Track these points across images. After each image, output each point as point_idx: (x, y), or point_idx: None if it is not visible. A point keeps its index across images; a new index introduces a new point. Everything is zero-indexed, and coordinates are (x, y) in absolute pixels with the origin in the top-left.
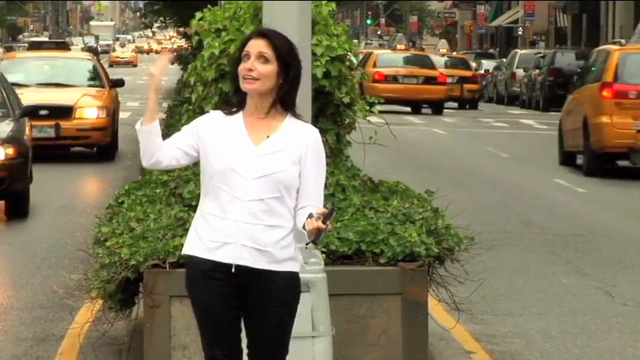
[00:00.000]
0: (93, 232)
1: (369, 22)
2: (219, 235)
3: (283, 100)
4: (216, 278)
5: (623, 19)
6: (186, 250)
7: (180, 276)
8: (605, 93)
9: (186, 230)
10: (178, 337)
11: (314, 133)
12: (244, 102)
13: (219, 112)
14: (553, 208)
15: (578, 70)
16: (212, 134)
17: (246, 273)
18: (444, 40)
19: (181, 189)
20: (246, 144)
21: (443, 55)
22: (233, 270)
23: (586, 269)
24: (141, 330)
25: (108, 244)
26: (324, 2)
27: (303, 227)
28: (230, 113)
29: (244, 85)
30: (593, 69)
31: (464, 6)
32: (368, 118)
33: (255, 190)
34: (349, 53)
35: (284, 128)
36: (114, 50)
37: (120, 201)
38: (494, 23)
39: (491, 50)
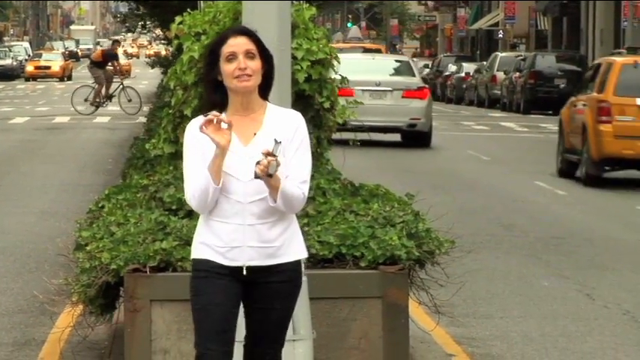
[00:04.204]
0: (73, 237)
1: (349, 25)
2: (225, 240)
3: (264, 93)
4: (223, 274)
5: (603, 22)
6: (195, 255)
7: (160, 280)
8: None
9: (167, 234)
10: (159, 342)
11: (297, 119)
12: (225, 103)
13: (200, 118)
14: (533, 211)
15: None
16: (205, 140)
17: (255, 271)
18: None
19: (162, 193)
20: (236, 146)
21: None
22: (245, 272)
23: (566, 272)
24: (122, 334)
25: (88, 248)
26: (305, 6)
27: (256, 175)
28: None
29: (239, 84)
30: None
31: (444, 9)
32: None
33: (253, 191)
34: (329, 56)
35: (268, 122)
36: None
37: (100, 205)
38: (475, 26)
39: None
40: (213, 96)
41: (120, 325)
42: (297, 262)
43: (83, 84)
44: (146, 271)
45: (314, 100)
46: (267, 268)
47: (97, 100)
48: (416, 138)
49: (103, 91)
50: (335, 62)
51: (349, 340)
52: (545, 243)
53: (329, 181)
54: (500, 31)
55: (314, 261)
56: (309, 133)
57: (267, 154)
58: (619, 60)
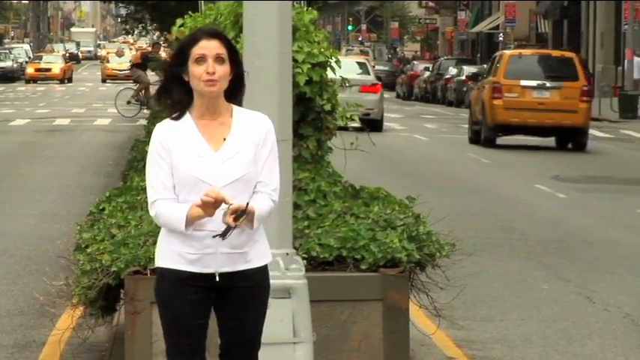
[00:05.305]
0: (74, 239)
1: (350, 28)
2: (197, 246)
3: (231, 98)
4: (191, 285)
5: (604, 25)
6: (161, 263)
7: None
8: None
9: None
10: (159, 344)
11: (266, 123)
12: (189, 104)
13: (167, 122)
14: (534, 214)
15: None
16: (174, 147)
17: (226, 277)
18: None
19: None
20: (206, 152)
21: None
22: (217, 279)
23: (567, 275)
24: (122, 336)
25: (89, 250)
26: (306, 9)
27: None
28: (176, 119)
29: (205, 89)
30: None
31: (445, 12)
32: (349, 125)
33: (227, 198)
34: (330, 60)
35: (236, 125)
36: (107, 61)
37: (101, 207)
38: (475, 29)
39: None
40: (179, 94)
41: (120, 328)
42: (264, 267)
43: (126, 87)
44: (147, 274)
45: (315, 102)
46: (236, 273)
47: (137, 98)
48: (369, 124)
49: (142, 95)
50: (335, 65)
51: (349, 343)
52: (546, 246)
53: (330, 184)
54: (501, 34)
55: (314, 264)
56: (310, 136)
57: (236, 212)
58: (507, 52)
